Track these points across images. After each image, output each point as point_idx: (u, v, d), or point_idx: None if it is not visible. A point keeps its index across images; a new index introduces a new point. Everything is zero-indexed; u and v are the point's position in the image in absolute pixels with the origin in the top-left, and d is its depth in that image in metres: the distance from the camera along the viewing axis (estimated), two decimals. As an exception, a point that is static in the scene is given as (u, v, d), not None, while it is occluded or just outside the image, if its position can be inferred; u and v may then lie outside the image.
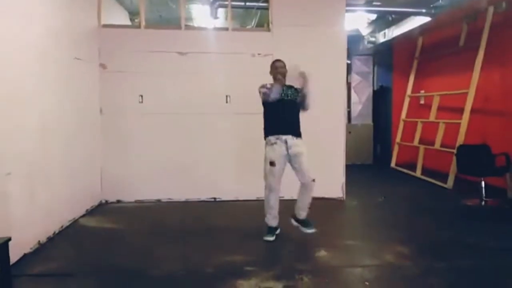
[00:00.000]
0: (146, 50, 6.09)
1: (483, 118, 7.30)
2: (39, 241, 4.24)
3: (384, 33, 8.89)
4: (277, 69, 4.53)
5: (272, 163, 4.41)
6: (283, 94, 4.46)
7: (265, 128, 4.56)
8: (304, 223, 4.58)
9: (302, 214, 4.58)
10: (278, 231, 4.61)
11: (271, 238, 4.49)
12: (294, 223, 4.63)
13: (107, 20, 6.27)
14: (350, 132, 8.83)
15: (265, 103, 4.53)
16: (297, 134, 4.52)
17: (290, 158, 4.46)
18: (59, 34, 4.80)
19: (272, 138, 4.46)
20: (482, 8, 6.93)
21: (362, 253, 4.25)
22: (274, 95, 4.40)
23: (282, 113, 4.47)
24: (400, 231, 4.92)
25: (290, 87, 4.57)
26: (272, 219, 4.55)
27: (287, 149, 4.43)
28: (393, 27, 8.55)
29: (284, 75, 4.53)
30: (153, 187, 6.18)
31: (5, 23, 3.67)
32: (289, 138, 4.44)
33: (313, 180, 4.48)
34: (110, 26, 6.19)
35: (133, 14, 8.45)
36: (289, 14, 6.26)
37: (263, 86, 4.49)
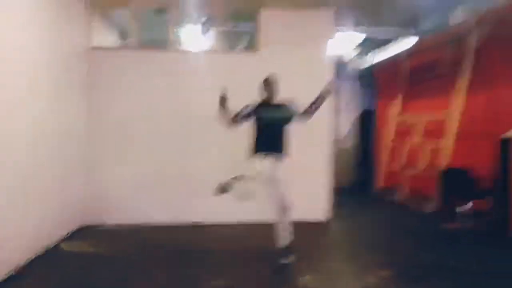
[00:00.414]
0: (135, 72, 6.12)
1: (466, 141, 7.38)
2: (17, 265, 4.13)
3: (370, 56, 9.05)
4: (267, 83, 4.61)
5: (260, 173, 4.42)
6: (272, 113, 4.51)
7: (254, 145, 4.56)
8: (281, 251, 4.48)
9: (283, 241, 4.49)
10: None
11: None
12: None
13: (97, 41, 6.30)
14: (335, 155, 8.86)
15: (255, 121, 4.54)
16: (280, 153, 4.52)
17: (271, 179, 4.45)
18: (48, 55, 4.83)
19: (259, 155, 4.48)
20: (466, 32, 7.09)
21: (346, 276, 4.24)
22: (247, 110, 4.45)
23: (269, 133, 4.49)
24: (383, 254, 4.92)
25: (279, 106, 4.59)
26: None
27: (270, 165, 4.45)
28: (378, 51, 8.71)
29: (272, 89, 4.58)
30: (136, 210, 6.11)
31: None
32: (275, 157, 4.46)
33: (289, 207, 4.43)
34: (99, 48, 6.22)
35: (123, 34, 8.51)
36: (277, 37, 6.38)
37: (245, 107, 4.53)
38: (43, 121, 4.76)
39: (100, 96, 6.10)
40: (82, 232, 5.74)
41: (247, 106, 4.53)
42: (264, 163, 4.43)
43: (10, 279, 3.94)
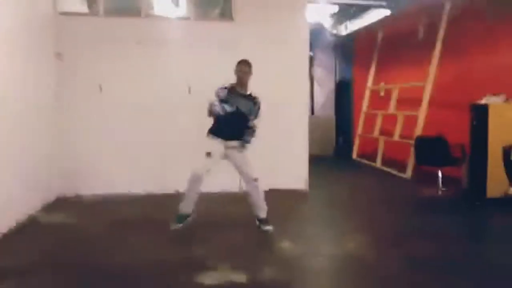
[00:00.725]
0: (104, 39, 5.91)
1: (440, 110, 7.52)
2: (-9, 237, 4.06)
3: (346, 25, 9.00)
4: (241, 68, 4.46)
5: (208, 154, 4.41)
6: (237, 105, 4.40)
7: (212, 127, 4.51)
8: (261, 221, 4.61)
9: (261, 212, 4.60)
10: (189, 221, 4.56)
11: (179, 226, 4.49)
12: (257, 222, 4.63)
13: (64, 7, 6.02)
14: (312, 124, 8.91)
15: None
16: (237, 137, 4.52)
17: (226, 157, 4.51)
18: (14, 21, 4.59)
19: (215, 137, 4.47)
20: (440, 2, 7.12)
21: (324, 242, 4.31)
22: (218, 109, 4.33)
23: (231, 123, 4.42)
24: (361, 221, 5.03)
25: (246, 97, 4.50)
26: (188, 206, 4.52)
27: (224, 148, 4.47)
28: (354, 20, 8.66)
29: (244, 80, 4.47)
30: (112, 180, 6.02)
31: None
32: (231, 143, 4.48)
33: (256, 180, 4.52)
34: (67, 13, 5.95)
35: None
36: (252, 4, 6.22)
37: (217, 93, 4.41)
38: (10, 90, 4.57)
39: (70, 63, 5.88)
40: (59, 203, 5.65)
41: (222, 90, 4.41)
42: (216, 145, 4.44)
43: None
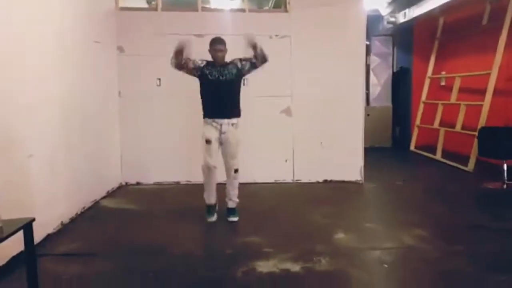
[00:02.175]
0: (163, 33, 6.08)
1: (506, 99, 7.13)
2: (61, 221, 4.35)
3: (404, 13, 8.69)
4: (215, 48, 4.36)
5: (208, 141, 4.38)
6: (218, 75, 4.35)
7: (203, 109, 4.48)
8: (229, 210, 4.61)
9: (229, 203, 4.61)
10: (216, 209, 4.63)
11: (211, 219, 4.54)
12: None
13: (124, 2, 6.26)
14: (368, 115, 8.73)
15: (200, 83, 4.45)
16: (233, 115, 4.45)
17: (222, 143, 4.46)
18: (77, 17, 4.83)
19: (208, 120, 4.43)
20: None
21: (381, 235, 4.23)
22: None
23: (218, 95, 4.37)
24: (419, 214, 4.88)
25: (227, 64, 4.42)
26: (209, 197, 4.56)
27: (220, 133, 4.41)
28: (413, 7, 8.34)
29: (220, 59, 4.38)
30: (172, 169, 6.23)
31: (22, 5, 3.70)
32: (224, 123, 4.39)
33: (236, 171, 4.52)
34: (127, 8, 6.19)
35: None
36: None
37: (201, 60, 4.42)
38: (79, 83, 4.85)
39: (130, 57, 6.11)
40: (122, 190, 5.95)
41: (202, 60, 4.42)
42: (208, 129, 4.39)
43: (56, 233, 4.15)
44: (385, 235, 4.24)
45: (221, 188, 4.68)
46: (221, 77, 4.36)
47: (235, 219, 4.57)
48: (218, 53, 4.35)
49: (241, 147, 4.63)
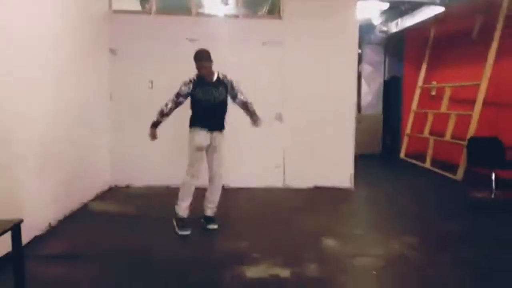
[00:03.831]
0: (156, 36, 6.09)
1: (495, 110, 7.22)
2: (49, 223, 4.31)
3: (397, 22, 8.78)
4: (202, 65, 4.24)
5: (200, 148, 4.32)
6: (209, 97, 4.27)
7: (192, 119, 4.40)
8: (207, 219, 4.54)
9: (208, 211, 4.55)
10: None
11: (188, 232, 4.31)
12: (202, 220, 4.58)
13: (118, 5, 6.25)
14: (359, 122, 8.78)
15: (191, 99, 4.37)
16: (222, 127, 4.45)
17: (210, 151, 4.42)
18: (70, 19, 4.82)
19: (199, 128, 4.34)
20: (497, 0, 6.82)
21: (370, 242, 4.24)
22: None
23: (209, 113, 4.32)
24: (408, 222, 4.92)
25: (218, 84, 4.33)
26: (185, 210, 4.43)
27: (210, 139, 4.37)
28: (405, 17, 8.43)
29: (209, 70, 4.27)
30: (162, 172, 6.20)
31: (14, 7, 3.68)
32: (215, 133, 4.38)
33: (221, 175, 4.50)
34: (121, 11, 6.17)
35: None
36: (300, 1, 6.20)
37: (184, 84, 4.32)
38: (70, 83, 4.82)
39: (123, 60, 6.10)
40: (111, 193, 5.91)
41: (187, 84, 4.32)
42: (201, 137, 4.33)
43: (43, 235, 4.11)
44: (374, 242, 4.25)
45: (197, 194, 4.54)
46: (212, 100, 4.27)
47: (215, 226, 4.47)
48: (205, 70, 4.25)
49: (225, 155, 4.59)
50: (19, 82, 3.69)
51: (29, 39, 3.87)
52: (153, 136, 4.44)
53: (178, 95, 4.32)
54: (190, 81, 4.30)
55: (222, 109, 4.40)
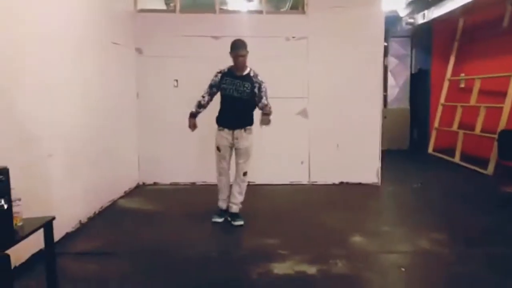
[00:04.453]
0: (181, 35, 6.13)
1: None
2: (80, 220, 4.41)
3: (424, 14, 8.58)
4: (238, 54, 4.30)
5: (218, 148, 4.49)
6: (233, 91, 4.34)
7: (217, 117, 4.53)
8: (232, 215, 4.59)
9: (233, 207, 4.58)
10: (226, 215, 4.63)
11: (220, 220, 4.58)
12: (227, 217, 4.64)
13: (142, 4, 6.32)
14: (385, 117, 8.65)
15: (220, 91, 4.47)
16: (245, 125, 4.45)
17: (234, 148, 4.50)
18: (97, 19, 4.90)
19: (220, 128, 4.49)
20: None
21: (398, 239, 4.19)
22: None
23: (232, 108, 4.40)
24: (436, 218, 4.83)
25: (247, 79, 4.37)
26: (221, 202, 4.65)
27: (233, 139, 4.44)
28: (432, 8, 8.23)
29: (242, 64, 4.34)
30: (189, 170, 6.27)
31: (43, 7, 3.77)
32: (237, 131, 4.42)
33: (244, 174, 4.54)
34: (145, 10, 6.25)
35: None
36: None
37: (216, 75, 4.47)
38: (99, 83, 4.92)
39: (148, 59, 6.17)
40: (139, 190, 6.01)
41: (217, 74, 4.47)
42: (221, 137, 4.45)
43: (74, 232, 4.21)
44: (402, 238, 4.20)
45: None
46: (235, 94, 4.36)
47: (241, 222, 4.50)
48: (240, 58, 4.31)
49: (253, 151, 4.60)
50: (47, 82, 3.78)
51: (55, 40, 3.95)
52: (193, 125, 4.58)
53: (210, 86, 4.51)
54: (220, 71, 4.47)
55: (245, 106, 4.42)
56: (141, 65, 6.16)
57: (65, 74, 4.12)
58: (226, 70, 4.45)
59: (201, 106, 4.54)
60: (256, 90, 4.35)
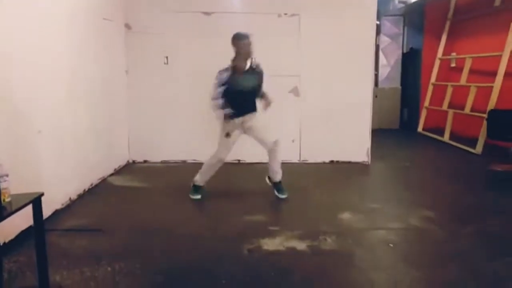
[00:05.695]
0: (171, 10, 6.02)
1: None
2: (70, 197, 4.39)
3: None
4: (244, 43, 4.29)
5: (228, 134, 4.42)
6: (241, 86, 4.31)
7: (224, 103, 4.37)
8: (277, 187, 4.65)
9: (277, 176, 4.63)
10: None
11: (198, 197, 4.63)
12: (269, 183, 4.73)
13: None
14: (376, 96, 8.66)
15: (228, 90, 4.36)
16: (252, 110, 4.47)
17: (246, 131, 4.49)
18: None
19: (230, 119, 4.40)
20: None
21: (387, 216, 4.23)
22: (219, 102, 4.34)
23: (241, 99, 4.38)
24: (426, 196, 4.89)
25: (251, 71, 4.38)
26: (203, 182, 4.67)
27: (242, 123, 4.43)
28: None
29: (250, 48, 4.32)
30: (179, 148, 6.25)
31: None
32: (247, 116, 4.44)
33: (275, 143, 4.51)
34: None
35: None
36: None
37: (220, 73, 4.34)
38: (88, 61, 4.84)
39: (138, 35, 6.06)
40: (129, 168, 5.99)
41: (221, 72, 4.34)
42: (230, 125, 4.40)
43: (63, 209, 4.21)
44: (391, 215, 4.24)
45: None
46: (243, 87, 4.35)
47: (285, 195, 4.61)
48: (247, 48, 4.30)
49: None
50: (35, 58, 3.71)
51: (45, 15, 3.87)
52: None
53: (219, 85, 4.34)
54: (224, 69, 4.36)
55: (252, 94, 4.45)
56: (131, 41, 6.05)
57: (53, 51, 4.04)
58: (230, 69, 4.35)
59: (216, 98, 4.37)
60: (258, 78, 4.41)
